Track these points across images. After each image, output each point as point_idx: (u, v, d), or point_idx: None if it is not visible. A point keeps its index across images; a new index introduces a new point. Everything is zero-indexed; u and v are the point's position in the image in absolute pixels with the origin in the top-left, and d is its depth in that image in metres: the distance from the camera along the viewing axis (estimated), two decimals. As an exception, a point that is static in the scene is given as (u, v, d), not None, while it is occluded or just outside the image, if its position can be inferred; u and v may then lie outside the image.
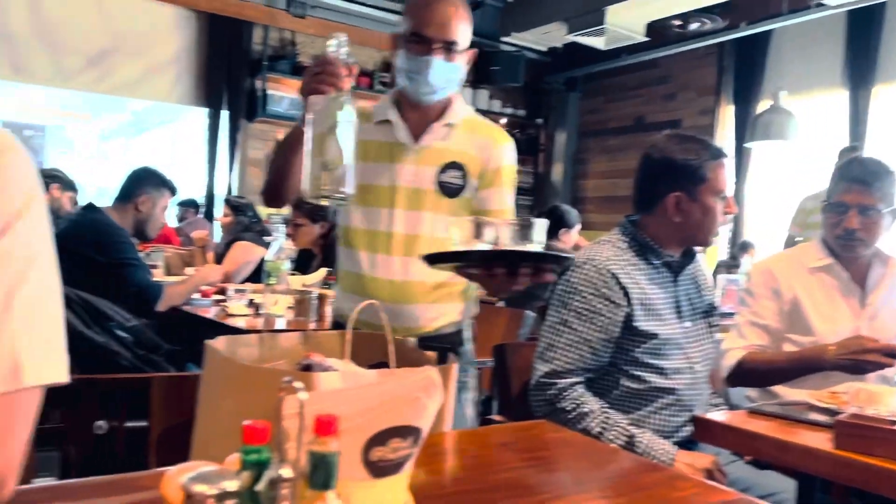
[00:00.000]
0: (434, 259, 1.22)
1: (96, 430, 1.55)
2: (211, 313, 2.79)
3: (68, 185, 4.40)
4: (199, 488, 0.55)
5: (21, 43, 5.32)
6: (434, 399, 0.66)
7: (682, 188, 1.71)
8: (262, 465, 0.56)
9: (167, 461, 1.27)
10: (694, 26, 5.66)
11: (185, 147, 7.62)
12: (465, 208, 1.70)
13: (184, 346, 3.13)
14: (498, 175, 1.70)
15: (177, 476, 0.59)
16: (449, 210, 1.67)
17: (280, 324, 2.58)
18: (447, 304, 1.72)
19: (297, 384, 0.58)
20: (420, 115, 1.69)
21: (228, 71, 6.27)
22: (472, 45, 1.67)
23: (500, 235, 1.18)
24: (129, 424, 1.65)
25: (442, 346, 1.53)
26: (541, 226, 1.20)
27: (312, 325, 2.56)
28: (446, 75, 1.61)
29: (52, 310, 0.78)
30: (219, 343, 1.21)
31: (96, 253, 2.51)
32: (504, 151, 1.72)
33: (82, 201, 3.59)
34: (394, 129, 1.69)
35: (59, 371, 0.77)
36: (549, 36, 6.95)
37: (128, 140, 9.96)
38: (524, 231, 1.18)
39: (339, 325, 1.74)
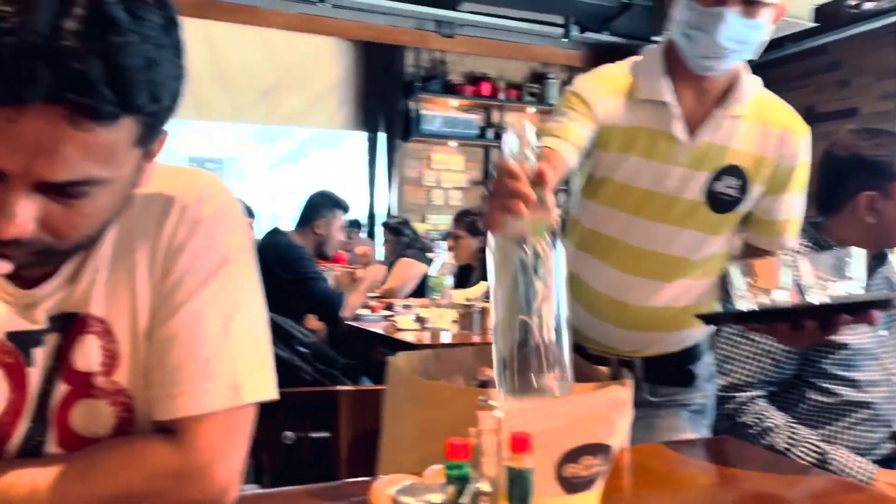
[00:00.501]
0: (715, 319, 1.07)
1: (284, 441, 1.68)
2: (380, 328, 2.93)
3: (248, 213, 4.79)
4: (408, 500, 0.59)
5: (201, 83, 5.86)
6: (623, 417, 0.66)
7: (874, 186, 1.58)
8: (464, 479, 0.59)
9: (356, 470, 1.35)
10: (870, 5, 5.21)
11: (346, 169, 8.04)
12: (734, 223, 1.40)
13: (357, 360, 3.31)
14: (792, 177, 1.36)
15: (384, 488, 0.64)
16: (715, 226, 1.37)
17: (446, 337, 2.66)
18: (696, 327, 1.47)
19: (493, 402, 0.60)
20: (698, 95, 1.33)
21: (384, 95, 6.55)
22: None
23: (802, 273, 0.90)
24: (314, 435, 1.77)
25: (682, 368, 1.42)
26: (859, 257, 0.94)
27: (476, 338, 2.62)
28: (743, 36, 1.23)
29: (260, 334, 0.86)
30: (399, 359, 1.28)
31: (280, 271, 2.75)
32: (801, 145, 1.37)
33: (256, 226, 3.90)
34: (666, 116, 1.33)
35: (270, 389, 0.85)
36: (703, 31, 6.66)
37: (293, 166, 10.66)
38: (838, 266, 0.90)
39: None
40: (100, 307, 0.78)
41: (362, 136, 6.72)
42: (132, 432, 0.80)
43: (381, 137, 6.63)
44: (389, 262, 3.92)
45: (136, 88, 0.61)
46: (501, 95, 6.77)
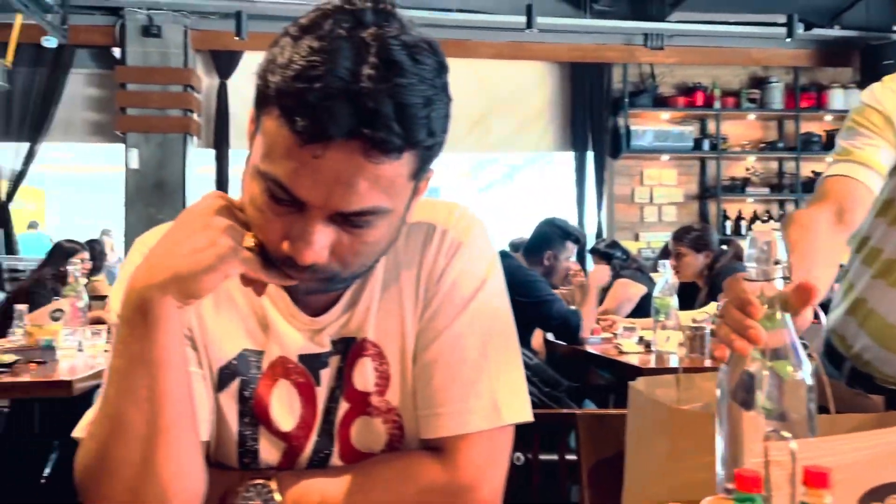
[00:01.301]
0: None
1: (514, 461, 1.70)
2: (600, 350, 2.88)
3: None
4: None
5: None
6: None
7: None
8: (756, 514, 0.55)
9: (598, 495, 1.33)
10: None
11: (554, 190, 8.05)
12: None
13: (580, 383, 3.27)
14: None
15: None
16: None
17: (673, 361, 2.55)
18: None
19: (785, 433, 0.57)
20: None
21: (591, 113, 6.50)
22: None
23: None
24: (544, 457, 1.77)
25: None
26: None
27: (708, 362, 2.48)
28: None
29: (514, 357, 0.89)
30: (640, 384, 1.24)
31: (517, 294, 2.77)
32: None
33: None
34: None
35: (527, 411, 0.87)
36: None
37: (503, 190, 10.90)
38: None
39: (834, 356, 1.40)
40: (373, 332, 0.85)
41: (570, 157, 6.72)
42: (402, 448, 0.86)
43: (590, 156, 6.58)
44: (604, 286, 3.84)
45: (417, 124, 0.67)
46: (717, 104, 6.43)
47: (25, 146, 5.97)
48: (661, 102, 6.47)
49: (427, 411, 0.83)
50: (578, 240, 3.13)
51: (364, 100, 0.64)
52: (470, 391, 0.83)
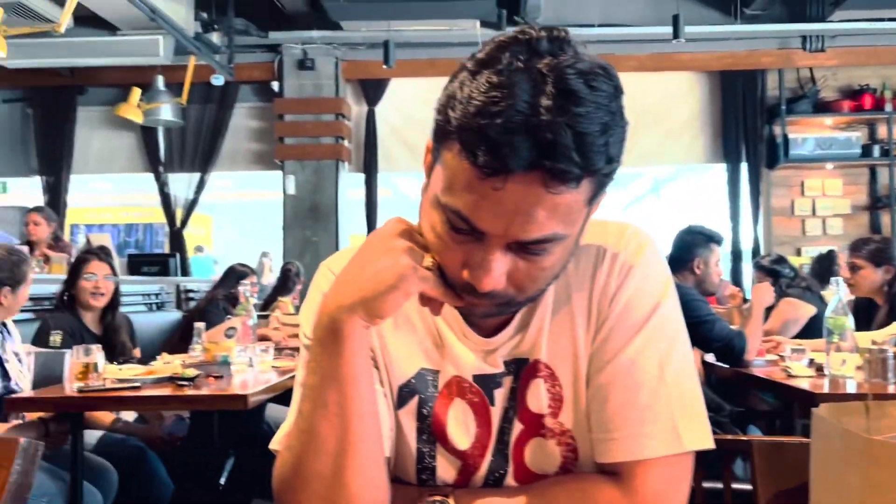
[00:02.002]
0: None
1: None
2: (764, 373, 2.71)
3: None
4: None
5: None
6: None
7: None
8: None
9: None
10: None
11: (705, 204, 7.72)
12: None
13: (744, 407, 3.10)
14: None
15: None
16: None
17: (850, 386, 2.35)
18: None
19: None
20: None
21: (744, 123, 6.19)
22: None
23: None
24: (707, 485, 1.68)
25: None
26: None
27: (892, 388, 2.27)
28: None
29: (692, 381, 0.85)
30: (824, 411, 1.16)
31: None
32: None
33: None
34: None
35: (708, 437, 0.83)
36: None
37: (649, 204, 10.58)
38: None
39: None
40: (546, 353, 0.85)
41: (721, 168, 6.41)
42: (575, 471, 0.85)
43: (743, 167, 6.25)
44: (768, 305, 3.61)
45: (595, 153, 0.67)
46: (888, 106, 5.92)
47: (197, 176, 6.51)
48: (822, 108, 6.05)
49: (602, 435, 0.82)
50: (721, 241, 2.97)
51: (543, 132, 0.64)
52: (647, 415, 0.80)
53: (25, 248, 3.53)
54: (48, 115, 6.54)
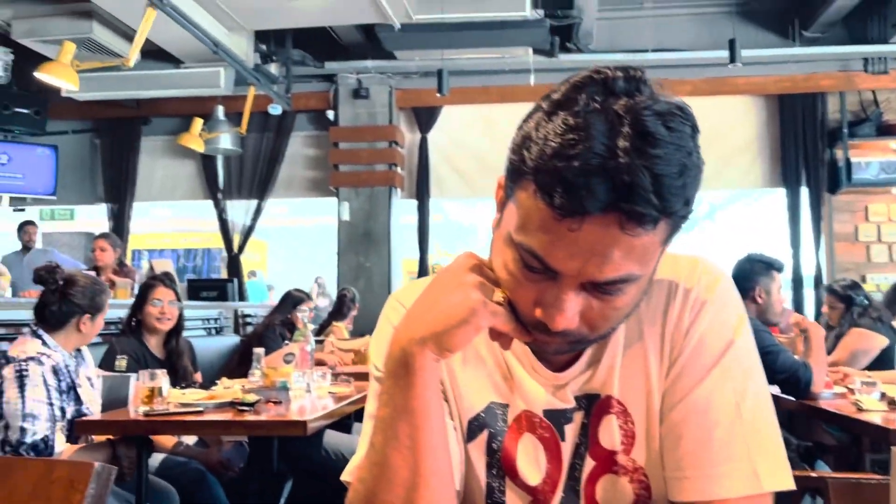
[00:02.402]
0: None
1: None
2: (831, 406, 2.61)
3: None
4: None
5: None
6: None
7: None
8: None
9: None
10: None
11: (762, 229, 7.55)
12: None
13: (811, 441, 2.99)
14: None
15: None
16: None
17: (927, 422, 2.25)
18: None
19: None
20: None
21: (804, 147, 6.05)
22: None
23: None
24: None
25: None
26: None
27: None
28: None
29: (770, 419, 0.83)
30: (905, 449, 1.12)
31: None
32: None
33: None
34: None
35: (788, 477, 0.81)
36: None
37: (704, 230, 10.40)
38: None
39: None
40: (618, 389, 0.84)
41: (781, 193, 6.26)
42: None
43: (803, 192, 6.10)
44: (837, 333, 3.47)
45: (673, 195, 0.66)
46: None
47: (254, 203, 6.66)
48: (887, 130, 5.88)
49: (676, 473, 0.80)
50: (782, 268, 2.88)
51: (621, 174, 0.64)
52: (723, 454, 0.79)
53: (93, 273, 3.66)
54: (114, 145, 6.80)
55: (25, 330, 2.43)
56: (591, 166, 0.64)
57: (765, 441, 0.80)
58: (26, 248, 5.92)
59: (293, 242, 11.60)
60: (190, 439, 2.91)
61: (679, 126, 0.67)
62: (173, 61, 5.73)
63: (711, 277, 0.85)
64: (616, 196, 0.65)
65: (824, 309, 3.85)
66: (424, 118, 6.47)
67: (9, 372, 2.22)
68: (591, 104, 0.67)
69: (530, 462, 0.86)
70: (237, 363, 3.61)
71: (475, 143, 6.48)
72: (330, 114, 6.44)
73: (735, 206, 9.48)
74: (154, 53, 5.51)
